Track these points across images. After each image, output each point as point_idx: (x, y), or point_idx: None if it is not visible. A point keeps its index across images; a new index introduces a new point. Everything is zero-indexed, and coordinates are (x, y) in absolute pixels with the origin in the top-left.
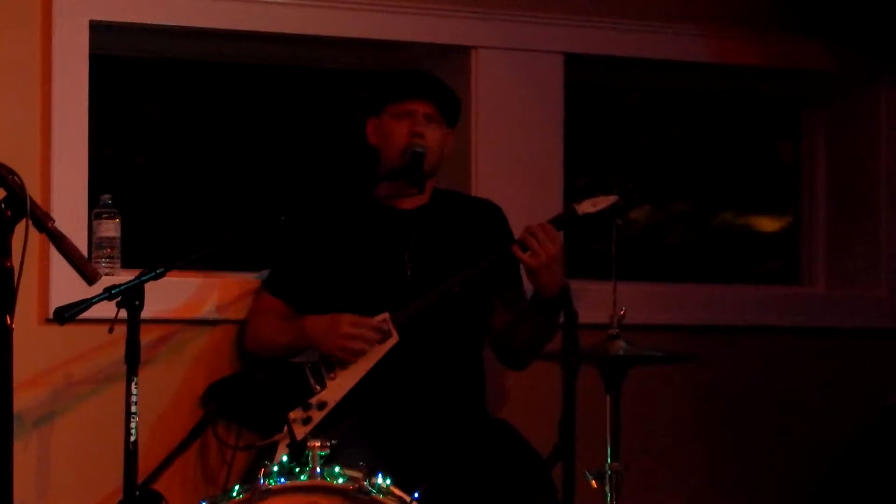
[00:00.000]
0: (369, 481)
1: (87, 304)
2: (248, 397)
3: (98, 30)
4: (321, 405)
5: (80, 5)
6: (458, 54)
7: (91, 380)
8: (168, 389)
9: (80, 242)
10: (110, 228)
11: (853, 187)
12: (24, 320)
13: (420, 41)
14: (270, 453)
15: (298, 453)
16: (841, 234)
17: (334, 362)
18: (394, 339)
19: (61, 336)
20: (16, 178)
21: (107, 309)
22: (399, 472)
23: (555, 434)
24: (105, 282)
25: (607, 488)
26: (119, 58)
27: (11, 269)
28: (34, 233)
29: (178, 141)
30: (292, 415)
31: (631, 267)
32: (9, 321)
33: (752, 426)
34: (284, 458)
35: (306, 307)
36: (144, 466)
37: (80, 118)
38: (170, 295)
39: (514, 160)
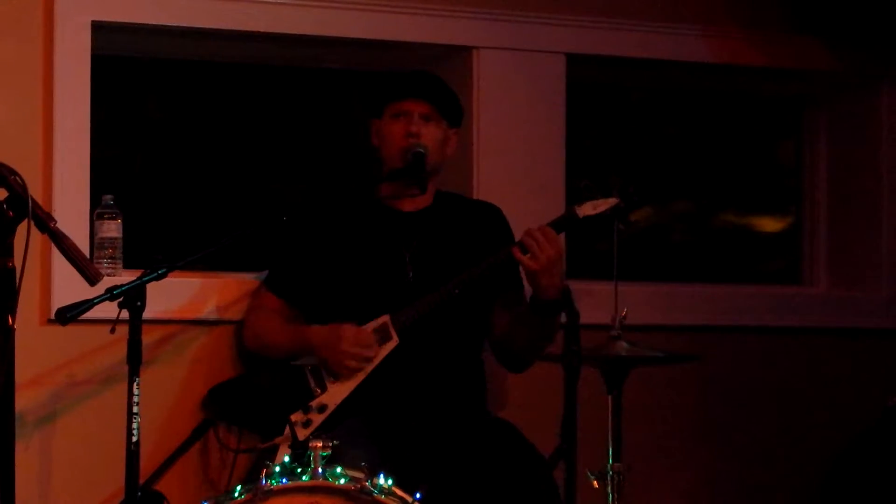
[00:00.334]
0: (371, 482)
1: (88, 304)
2: (250, 400)
3: (99, 30)
4: (321, 408)
5: (82, 6)
6: (460, 54)
7: (93, 380)
8: (170, 390)
9: (82, 243)
10: (112, 229)
11: (855, 187)
12: (26, 321)
13: (421, 41)
14: (272, 455)
15: (300, 454)
16: (842, 234)
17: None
18: (394, 342)
19: (63, 336)
20: (18, 178)
21: (108, 309)
22: (401, 472)
23: (556, 434)
24: (107, 282)
25: (609, 488)
26: (121, 58)
27: (13, 269)
28: (36, 233)
29: (180, 141)
30: (293, 417)
31: (632, 267)
32: (11, 321)
33: (754, 426)
34: (286, 459)
35: (307, 307)
36: (146, 467)
37: (82, 118)
38: (172, 295)
39: (515, 161)
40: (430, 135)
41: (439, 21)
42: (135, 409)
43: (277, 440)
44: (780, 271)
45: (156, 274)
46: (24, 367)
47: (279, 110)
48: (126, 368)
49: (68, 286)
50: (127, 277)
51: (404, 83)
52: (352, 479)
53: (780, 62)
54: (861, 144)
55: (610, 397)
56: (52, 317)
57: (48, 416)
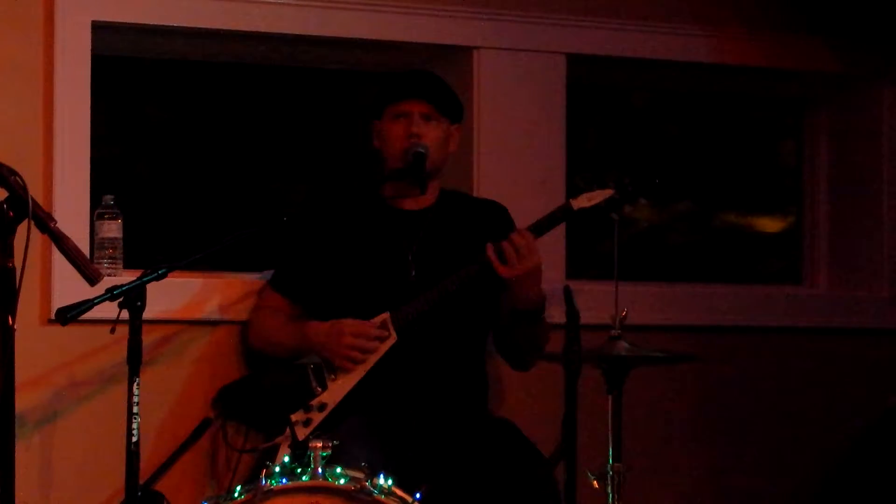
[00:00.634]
0: (371, 482)
1: (89, 304)
2: (255, 400)
3: (100, 30)
4: (321, 407)
5: (82, 6)
6: (460, 55)
7: (93, 380)
8: (170, 390)
9: (82, 243)
10: (112, 229)
11: (856, 187)
12: (27, 321)
13: (422, 42)
14: (272, 455)
15: (301, 454)
16: (843, 234)
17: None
18: (392, 339)
19: (63, 337)
20: (18, 178)
21: (109, 309)
22: (401, 472)
23: (557, 434)
24: (107, 282)
25: (609, 488)
26: (120, 58)
27: (13, 269)
28: (36, 233)
29: (180, 141)
30: (294, 417)
31: (633, 267)
32: (11, 322)
33: (755, 426)
34: (286, 459)
35: (311, 306)
36: (146, 467)
37: (82, 118)
38: (172, 295)
39: (516, 161)
40: (431, 134)
41: (439, 21)
42: (135, 410)
43: (278, 440)
44: (781, 271)
45: (156, 274)
46: (25, 368)
47: (280, 110)
48: (126, 368)
49: (68, 286)
50: (127, 277)
51: (403, 84)
52: (352, 479)
53: (781, 62)
54: (862, 145)
55: (610, 397)
56: (53, 317)
57: (48, 417)
